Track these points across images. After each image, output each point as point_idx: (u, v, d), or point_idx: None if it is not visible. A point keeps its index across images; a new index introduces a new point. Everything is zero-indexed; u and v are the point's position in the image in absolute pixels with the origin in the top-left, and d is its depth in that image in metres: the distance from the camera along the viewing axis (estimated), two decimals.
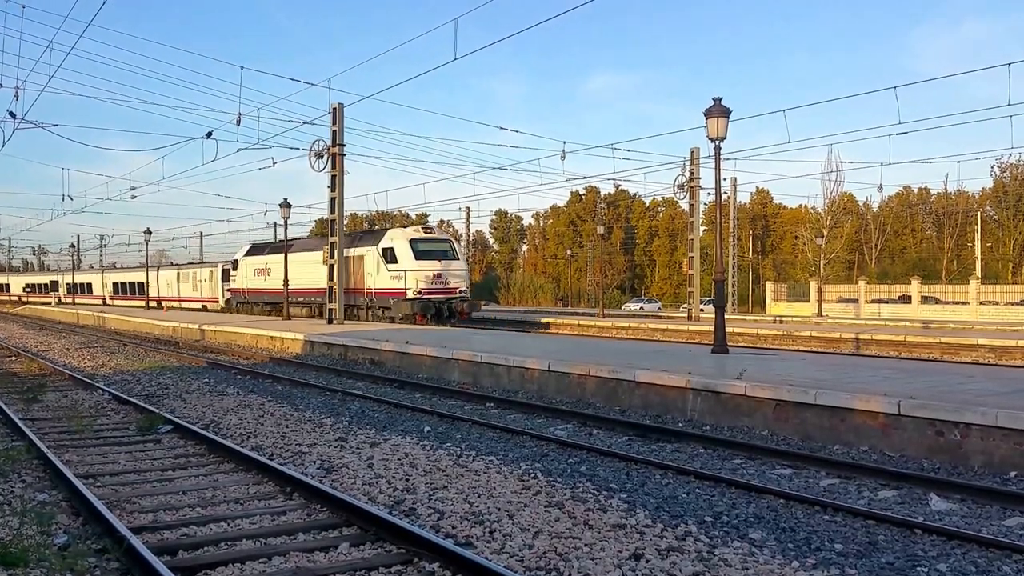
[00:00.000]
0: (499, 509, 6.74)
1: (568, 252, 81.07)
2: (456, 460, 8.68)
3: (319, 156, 29.09)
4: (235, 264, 43.87)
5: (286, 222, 34.38)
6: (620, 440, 10.37)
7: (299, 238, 50.24)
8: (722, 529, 6.43)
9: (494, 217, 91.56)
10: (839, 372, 12.77)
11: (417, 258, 30.82)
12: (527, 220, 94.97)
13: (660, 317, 45.51)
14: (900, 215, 76.40)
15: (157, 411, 11.66)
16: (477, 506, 6.86)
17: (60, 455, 8.72)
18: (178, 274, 56.68)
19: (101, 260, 60.61)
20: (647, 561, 5.51)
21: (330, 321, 29.27)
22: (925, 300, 47.70)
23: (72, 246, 79.09)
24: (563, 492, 7.35)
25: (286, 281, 33.23)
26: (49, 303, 67.01)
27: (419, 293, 30.19)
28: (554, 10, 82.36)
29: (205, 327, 29.81)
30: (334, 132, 28.78)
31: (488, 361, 15.68)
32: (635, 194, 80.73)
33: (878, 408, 9.45)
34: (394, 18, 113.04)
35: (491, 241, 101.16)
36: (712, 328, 17.11)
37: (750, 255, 74.69)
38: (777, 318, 42.11)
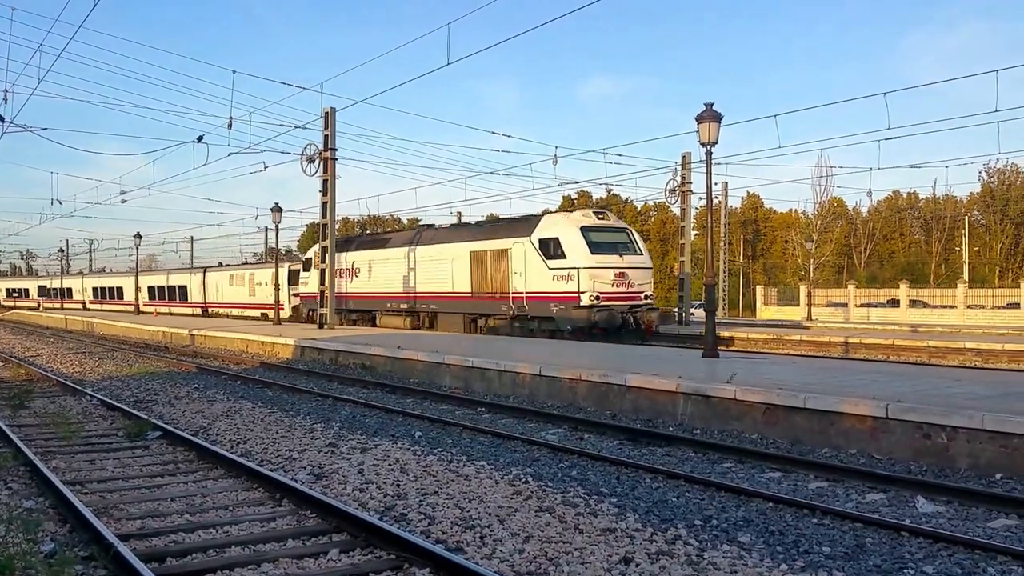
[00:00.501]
0: (490, 514, 6.74)
1: None
2: (447, 465, 8.68)
3: (311, 160, 29.05)
4: (308, 263, 35.48)
5: (277, 227, 34.33)
6: (611, 444, 10.39)
7: (395, 230, 45.85)
8: (711, 533, 6.45)
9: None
10: (828, 376, 12.82)
11: (593, 252, 23.46)
12: None
13: None
14: (889, 220, 76.78)
15: (146, 417, 11.61)
16: (468, 511, 6.86)
17: (47, 462, 8.68)
18: (231, 276, 48.61)
19: (136, 262, 54.64)
20: (637, 565, 5.53)
21: (321, 326, 29.22)
22: (913, 304, 47.97)
23: (61, 250, 78.76)
24: (554, 497, 7.36)
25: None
26: (51, 308, 63.66)
27: (597, 298, 22.86)
28: (547, 15, 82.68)
29: (195, 332, 29.71)
30: (326, 136, 28.76)
31: (479, 366, 15.68)
32: (627, 199, 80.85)
33: (866, 412, 9.49)
34: (387, 23, 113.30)
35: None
36: (703, 332, 17.14)
37: (741, 259, 74.91)
38: (779, 322, 42.26)
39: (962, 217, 64.96)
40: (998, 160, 52.43)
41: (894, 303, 48.71)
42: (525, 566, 5.52)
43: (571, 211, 26.14)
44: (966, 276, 55.66)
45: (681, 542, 6.06)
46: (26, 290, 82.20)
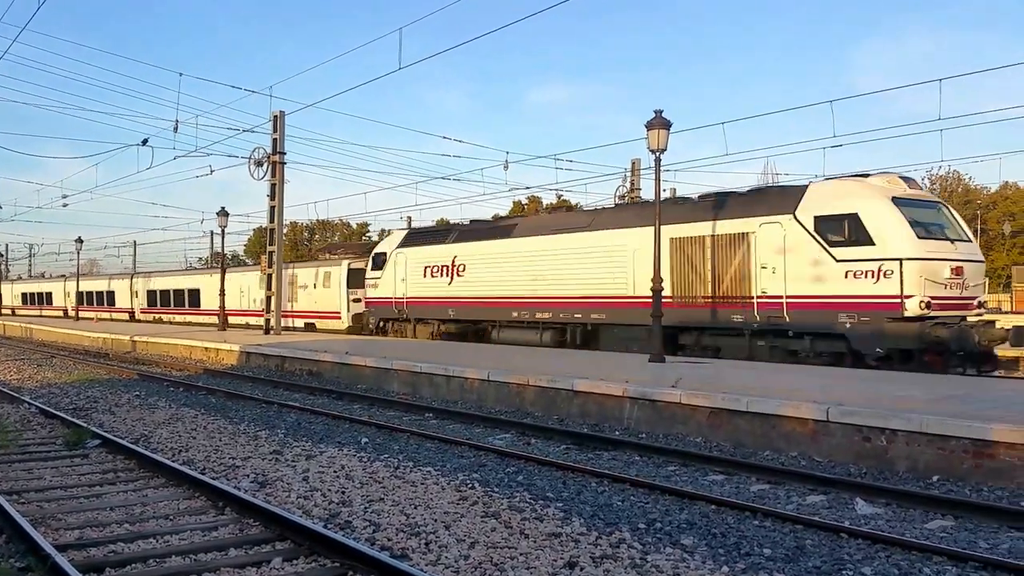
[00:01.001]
0: (436, 520, 6.72)
1: None
2: (393, 471, 8.63)
3: (259, 164, 28.69)
4: (379, 259, 27.55)
5: (223, 231, 33.79)
6: (558, 449, 10.43)
7: (519, 216, 37.34)
8: (655, 536, 6.52)
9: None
10: (771, 379, 13.02)
11: (919, 235, 15.69)
12: None
13: None
14: None
15: (85, 425, 11.32)
16: (414, 517, 6.83)
17: None
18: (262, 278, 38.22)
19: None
20: (581, 569, 5.56)
21: (267, 332, 28.85)
22: None
23: (1, 255, 76.45)
24: (500, 502, 7.37)
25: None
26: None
27: (927, 306, 15.17)
28: (498, 22, 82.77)
29: (137, 338, 29.08)
30: (275, 140, 28.44)
31: (428, 371, 15.62)
32: (577, 204, 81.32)
33: (807, 415, 9.68)
34: (338, 27, 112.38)
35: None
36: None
37: None
38: None
39: None
40: (941, 167, 53.95)
41: None
42: (470, 572, 5.52)
43: (866, 175, 17.41)
44: None
45: (625, 545, 6.11)
46: None
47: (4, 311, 65.64)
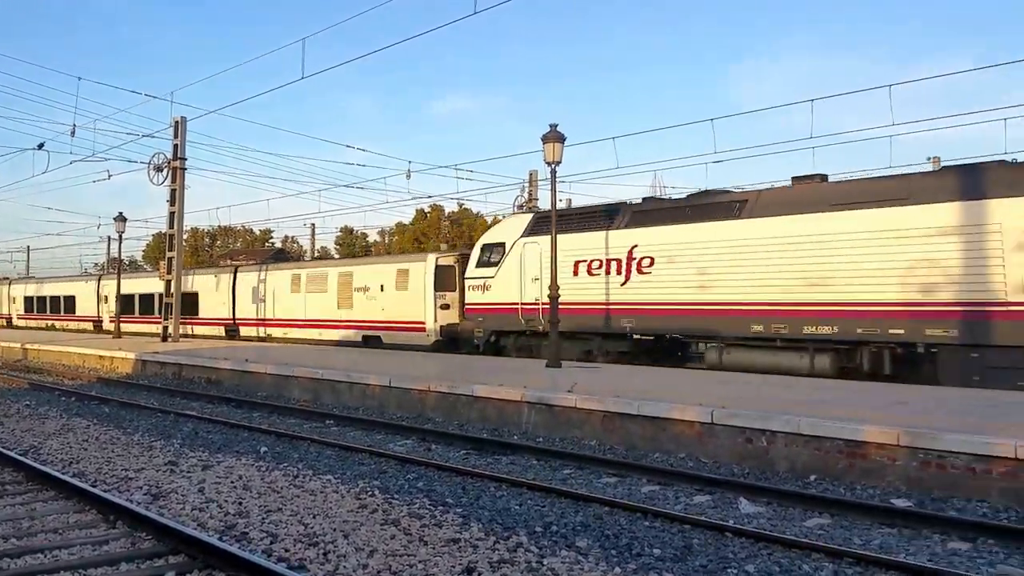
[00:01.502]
0: (334, 529, 6.51)
1: None
2: (292, 480, 8.34)
3: (159, 170, 27.56)
4: (490, 253, 20.96)
5: (120, 236, 32.27)
6: (458, 455, 10.33)
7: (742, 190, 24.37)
8: (551, 539, 6.50)
9: (340, 233, 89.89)
10: (660, 382, 13.25)
11: None
12: (373, 237, 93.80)
13: None
14: None
15: None
16: (312, 527, 6.60)
17: None
18: (297, 278, 28.80)
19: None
20: (479, 574, 5.47)
21: (165, 339, 27.70)
22: None
23: None
24: (400, 509, 7.20)
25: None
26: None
27: None
28: (404, 34, 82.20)
29: (28, 346, 27.43)
30: (175, 146, 27.39)
31: (329, 378, 15.27)
32: (478, 213, 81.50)
33: (694, 417, 9.88)
34: (243, 34, 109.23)
35: (336, 258, 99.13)
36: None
37: None
38: None
39: None
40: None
41: None
42: None
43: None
44: None
45: (522, 549, 6.05)
46: None
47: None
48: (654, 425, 10.28)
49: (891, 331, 14.04)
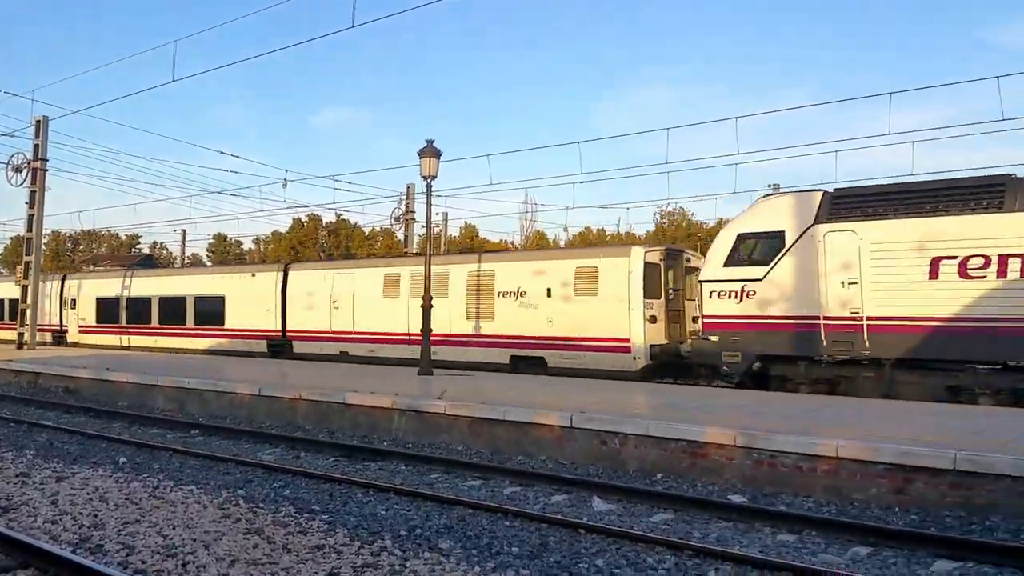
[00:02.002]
0: (195, 540, 6.29)
1: None
2: (152, 491, 7.98)
3: (18, 170, 25.76)
4: (756, 244, 14.95)
5: None
6: (327, 462, 10.16)
7: None
8: (415, 542, 6.51)
9: (212, 240, 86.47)
10: (527, 389, 13.47)
11: None
12: (247, 245, 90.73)
13: None
14: None
15: None
16: (171, 538, 6.34)
17: None
18: (402, 276, 21.29)
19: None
20: None
21: (20, 346, 25.84)
22: None
23: None
24: (264, 517, 7.03)
25: None
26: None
27: None
28: (282, 44, 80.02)
29: None
30: (36, 146, 25.66)
31: (196, 387, 14.67)
32: (356, 224, 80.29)
33: (554, 422, 10.12)
34: (112, 33, 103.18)
35: (209, 265, 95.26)
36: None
37: None
38: None
39: None
40: (668, 204, 58.60)
41: None
42: None
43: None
44: None
45: (386, 553, 6.04)
46: None
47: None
48: (518, 429, 10.46)
49: None
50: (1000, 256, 12.18)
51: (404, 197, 36.45)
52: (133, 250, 66.11)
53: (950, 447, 7.68)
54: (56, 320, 30.87)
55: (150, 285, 27.87)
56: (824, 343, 13.61)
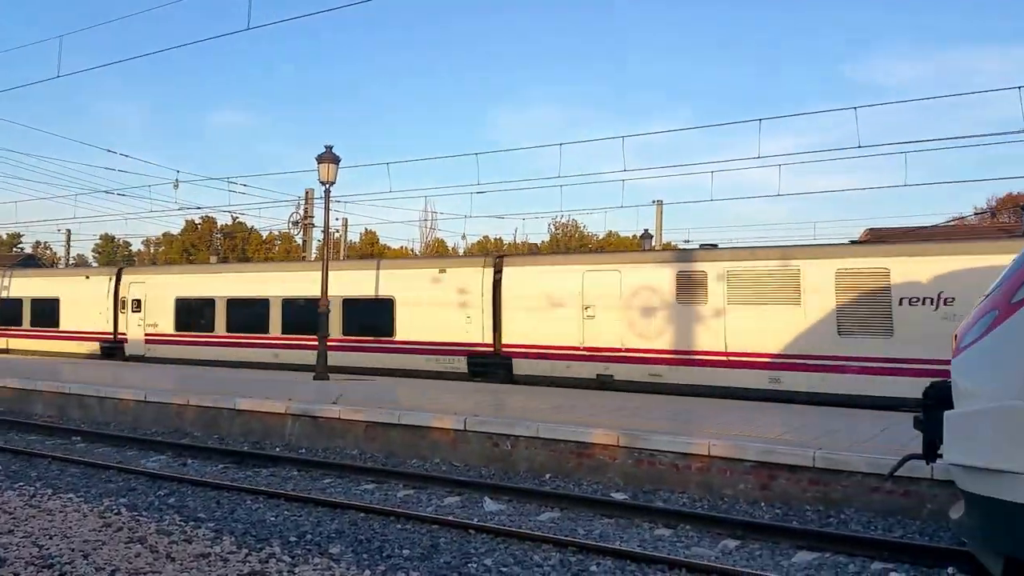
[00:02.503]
0: (73, 550, 5.96)
1: None
2: (28, 500, 7.51)
3: None
4: None
5: None
6: (215, 469, 9.82)
7: None
8: (305, 547, 6.38)
9: (99, 241, 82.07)
10: (423, 394, 13.44)
11: None
12: (137, 246, 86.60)
13: None
14: None
15: None
16: (48, 549, 5.99)
17: None
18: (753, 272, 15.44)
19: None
20: None
21: None
22: None
23: None
24: (148, 526, 6.73)
25: None
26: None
27: None
28: (175, 41, 76.87)
29: None
30: None
31: (78, 392, 13.90)
32: (252, 227, 77.87)
33: (449, 425, 10.13)
34: None
35: (95, 266, 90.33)
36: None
37: None
38: None
39: None
40: (561, 215, 59.63)
41: None
42: None
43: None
44: None
45: (275, 560, 5.90)
46: None
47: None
48: (414, 433, 10.41)
49: None
50: None
51: (303, 202, 35.66)
52: (14, 250, 62.02)
53: (810, 446, 8.15)
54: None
55: None
56: None
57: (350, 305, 19.85)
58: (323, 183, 16.25)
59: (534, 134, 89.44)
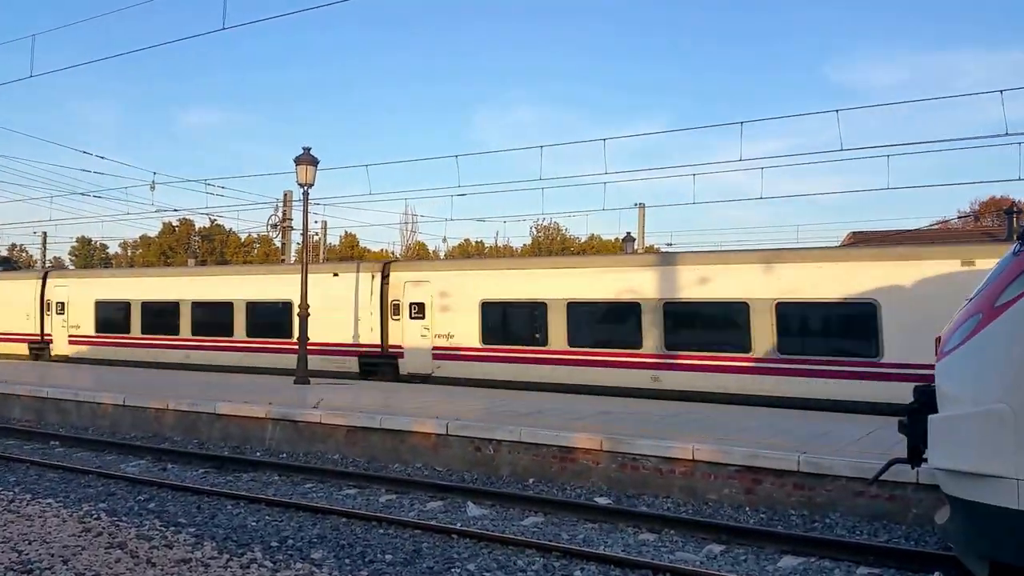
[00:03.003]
0: (52, 555, 5.88)
1: None
2: (7, 505, 7.41)
3: None
4: None
5: None
6: (196, 473, 9.74)
7: None
8: (287, 553, 6.35)
9: (76, 244, 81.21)
10: (401, 398, 13.35)
11: None
12: (114, 249, 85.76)
13: None
14: None
15: None
16: (27, 554, 5.91)
17: None
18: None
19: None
20: None
21: None
22: None
23: None
24: (128, 531, 6.66)
25: None
26: None
27: None
28: (150, 41, 76.13)
29: None
30: None
31: (55, 396, 13.73)
32: (230, 230, 77.34)
33: (431, 429, 10.10)
34: None
35: (72, 269, 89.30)
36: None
37: None
38: None
39: None
40: (543, 218, 59.72)
41: None
42: None
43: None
44: None
45: (256, 565, 5.85)
46: None
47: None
48: (395, 437, 10.37)
49: None
50: None
51: (281, 204, 35.49)
52: None
53: (795, 450, 8.20)
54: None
55: None
56: None
57: (253, 308, 20.26)
58: (301, 185, 16.16)
59: (513, 137, 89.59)
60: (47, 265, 48.52)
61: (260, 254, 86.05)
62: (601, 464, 8.84)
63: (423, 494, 8.60)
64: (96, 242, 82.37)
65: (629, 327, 15.49)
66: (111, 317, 22.69)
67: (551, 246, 58.86)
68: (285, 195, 34.99)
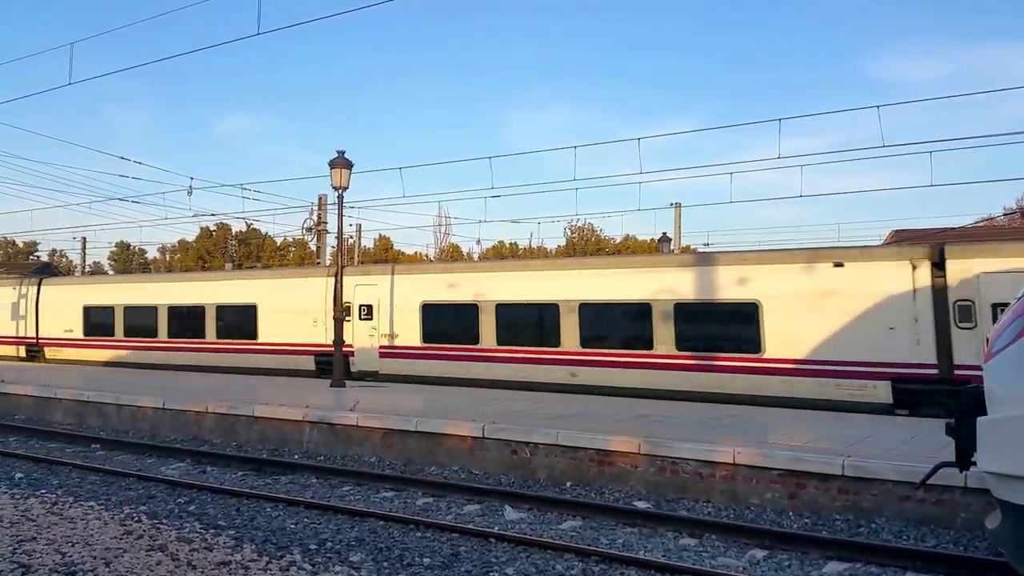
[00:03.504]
0: (95, 557, 6.00)
1: None
2: (50, 508, 7.59)
3: None
4: None
5: None
6: (234, 476, 9.87)
7: None
8: (325, 555, 6.39)
9: (115, 249, 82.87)
10: (438, 401, 13.43)
11: None
12: (152, 253, 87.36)
13: None
14: None
15: None
16: (70, 556, 6.04)
17: None
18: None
19: None
20: None
21: None
22: None
23: None
24: (168, 534, 6.77)
25: None
26: None
27: None
28: (187, 47, 77.57)
29: None
30: None
31: (96, 400, 14.02)
32: (266, 233, 78.36)
33: (467, 432, 10.12)
34: (5, 34, 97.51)
35: (111, 274, 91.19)
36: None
37: None
38: None
39: None
40: (577, 219, 59.53)
41: None
42: None
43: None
44: None
45: (295, 568, 5.91)
46: None
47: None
48: (431, 440, 10.41)
49: None
50: None
51: (316, 208, 35.83)
52: (31, 258, 62.78)
53: (839, 454, 8.06)
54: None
55: None
56: None
57: (223, 311, 21.36)
58: (336, 188, 16.31)
59: (546, 138, 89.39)
60: (86, 270, 49.53)
61: (295, 257, 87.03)
62: (640, 468, 8.78)
63: (460, 497, 8.61)
64: (135, 247, 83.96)
65: (550, 327, 16.61)
66: (98, 321, 23.93)
67: (586, 247, 58.63)
68: (320, 198, 35.34)
